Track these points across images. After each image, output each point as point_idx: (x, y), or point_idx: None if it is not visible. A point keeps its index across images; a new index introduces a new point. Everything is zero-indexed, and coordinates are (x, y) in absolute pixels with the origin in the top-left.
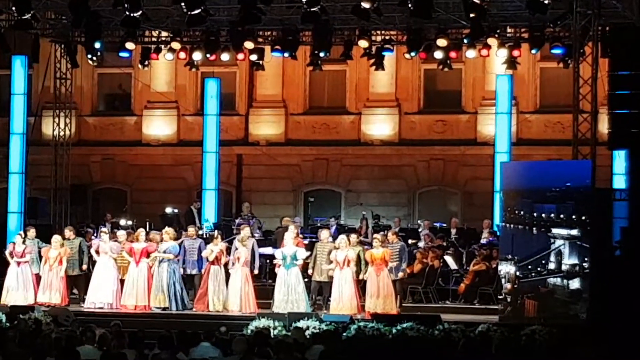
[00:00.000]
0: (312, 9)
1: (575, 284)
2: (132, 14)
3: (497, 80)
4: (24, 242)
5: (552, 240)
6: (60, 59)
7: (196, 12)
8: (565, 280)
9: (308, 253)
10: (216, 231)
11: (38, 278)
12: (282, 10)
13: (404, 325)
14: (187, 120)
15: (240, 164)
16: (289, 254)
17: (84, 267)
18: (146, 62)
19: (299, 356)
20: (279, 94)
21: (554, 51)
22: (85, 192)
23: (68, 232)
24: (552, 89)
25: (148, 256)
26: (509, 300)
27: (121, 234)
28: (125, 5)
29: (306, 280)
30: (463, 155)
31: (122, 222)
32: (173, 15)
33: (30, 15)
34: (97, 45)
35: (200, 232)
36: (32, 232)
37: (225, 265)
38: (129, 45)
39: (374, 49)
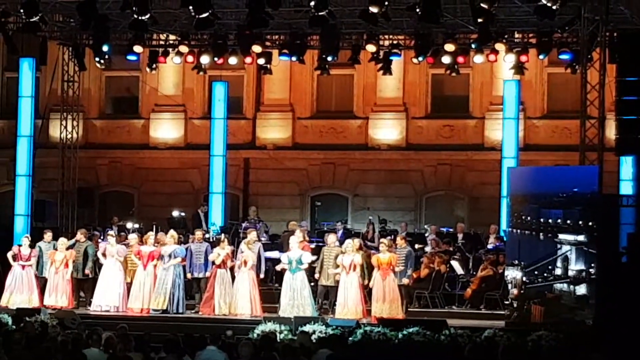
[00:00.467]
0: (320, 13)
1: (581, 289)
2: (140, 17)
3: (504, 86)
4: (30, 246)
5: (558, 246)
6: (68, 61)
7: (204, 15)
8: (571, 286)
9: (314, 257)
10: (223, 235)
11: (39, 280)
12: (290, 14)
13: (410, 330)
14: (194, 123)
15: (247, 168)
16: (294, 258)
17: (87, 271)
18: (154, 66)
19: None
20: (286, 97)
21: (561, 57)
22: (92, 195)
23: (79, 235)
24: (559, 94)
25: (159, 259)
26: (515, 305)
27: (132, 237)
28: (133, 8)
29: (312, 284)
30: (470, 160)
31: (129, 225)
32: (181, 19)
33: (38, 17)
34: (105, 48)
35: (206, 235)
36: (48, 235)
37: (232, 268)
38: (137, 49)
39: (381, 53)
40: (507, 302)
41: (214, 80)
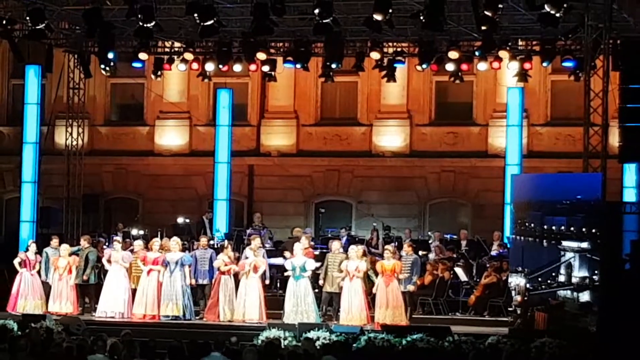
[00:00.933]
0: (324, 21)
1: (585, 296)
2: (145, 25)
3: (508, 93)
4: (36, 252)
5: (562, 253)
6: (74, 68)
7: (209, 23)
8: (575, 293)
9: (317, 264)
10: (226, 241)
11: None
12: (295, 21)
13: (414, 336)
14: (199, 130)
15: (252, 175)
16: (298, 265)
17: (85, 277)
18: (159, 73)
19: None
20: (290, 105)
21: (565, 64)
22: (98, 201)
23: (83, 241)
24: (563, 101)
25: (163, 265)
26: (519, 312)
27: (137, 244)
28: (139, 15)
29: (316, 291)
30: (474, 168)
31: (134, 231)
32: (186, 26)
33: (44, 25)
34: (111, 55)
35: (211, 242)
36: (55, 242)
37: (236, 275)
38: (142, 56)
39: (385, 60)
40: (510, 309)
41: (219, 87)
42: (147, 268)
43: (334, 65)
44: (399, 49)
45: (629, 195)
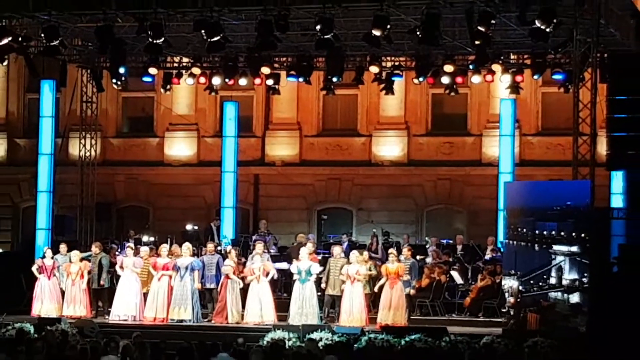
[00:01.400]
0: (325, 37)
1: (575, 298)
2: (154, 41)
3: (501, 104)
4: (52, 258)
5: (553, 257)
6: (87, 83)
7: (216, 39)
8: (565, 295)
9: (322, 268)
10: (229, 247)
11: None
12: (297, 37)
13: (412, 337)
14: (206, 141)
15: (257, 184)
16: (304, 269)
17: (102, 282)
18: (168, 87)
19: None
20: (293, 116)
21: (555, 77)
22: (110, 209)
23: (94, 248)
24: (553, 112)
25: (174, 269)
26: (512, 313)
27: (144, 250)
28: (149, 32)
29: (319, 294)
30: (468, 176)
31: (145, 238)
32: (194, 42)
33: (58, 42)
34: (122, 70)
35: (218, 248)
36: (63, 248)
37: (243, 279)
38: (152, 71)
39: (384, 74)
40: (504, 310)
41: (225, 100)
42: (158, 274)
43: (335, 79)
44: (396, 63)
45: (617, 202)
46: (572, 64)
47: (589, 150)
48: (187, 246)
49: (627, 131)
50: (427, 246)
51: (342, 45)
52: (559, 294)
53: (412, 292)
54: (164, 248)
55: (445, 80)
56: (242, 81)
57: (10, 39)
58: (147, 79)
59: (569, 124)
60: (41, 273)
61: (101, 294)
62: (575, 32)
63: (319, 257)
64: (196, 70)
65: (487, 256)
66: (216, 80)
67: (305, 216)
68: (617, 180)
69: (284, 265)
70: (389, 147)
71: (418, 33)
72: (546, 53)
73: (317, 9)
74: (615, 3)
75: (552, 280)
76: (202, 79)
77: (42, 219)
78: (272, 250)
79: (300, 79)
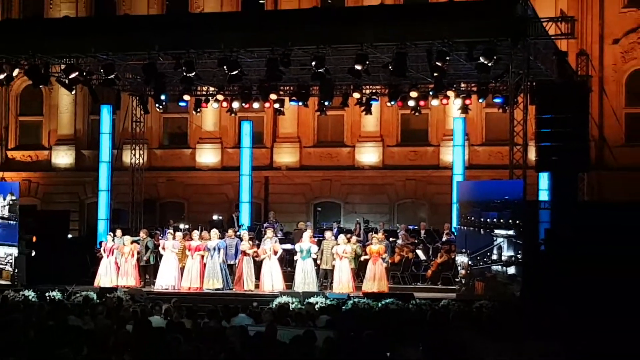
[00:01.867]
0: (319, 70)
1: (511, 270)
2: (188, 74)
3: (454, 122)
4: (112, 240)
5: (494, 238)
6: (136, 107)
7: (235, 72)
8: (504, 267)
9: (317, 248)
10: (244, 232)
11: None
12: (297, 71)
13: (387, 300)
14: (228, 151)
15: (267, 184)
16: (305, 248)
17: (146, 258)
18: (198, 109)
19: (311, 323)
20: (295, 132)
21: (495, 100)
22: (154, 204)
23: (142, 234)
24: (494, 127)
25: (204, 250)
26: (463, 282)
27: (178, 235)
28: (183, 68)
29: (315, 267)
30: (430, 177)
31: (181, 226)
32: (218, 75)
33: (114, 75)
34: (163, 97)
35: (238, 233)
36: (119, 232)
37: (255, 256)
38: (186, 97)
39: (364, 99)
40: (457, 280)
41: (242, 119)
42: (193, 254)
43: (326, 103)
44: (374, 90)
45: (543, 196)
46: (508, 90)
47: (522, 157)
48: (214, 232)
49: (551, 141)
50: (397, 231)
51: (332, 77)
52: (499, 267)
53: (386, 266)
54: (196, 233)
55: (411, 103)
56: (255, 105)
57: (77, 73)
58: (182, 103)
59: (507, 136)
60: (104, 252)
61: (147, 269)
62: (511, 66)
63: (316, 239)
64: (220, 97)
65: (444, 238)
66: (235, 104)
67: (304, 208)
68: (544, 180)
69: (288, 246)
70: (368, 155)
71: (390, 67)
72: (488, 82)
73: (313, 49)
74: (541, 44)
75: (494, 257)
76: (225, 104)
77: (103, 212)
78: (279, 235)
79: (300, 103)
